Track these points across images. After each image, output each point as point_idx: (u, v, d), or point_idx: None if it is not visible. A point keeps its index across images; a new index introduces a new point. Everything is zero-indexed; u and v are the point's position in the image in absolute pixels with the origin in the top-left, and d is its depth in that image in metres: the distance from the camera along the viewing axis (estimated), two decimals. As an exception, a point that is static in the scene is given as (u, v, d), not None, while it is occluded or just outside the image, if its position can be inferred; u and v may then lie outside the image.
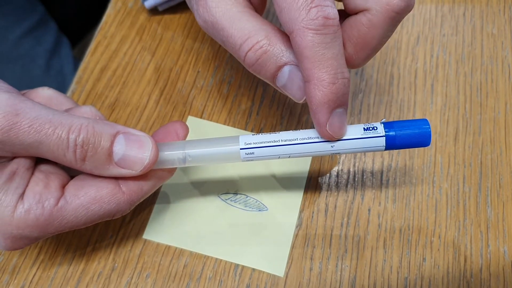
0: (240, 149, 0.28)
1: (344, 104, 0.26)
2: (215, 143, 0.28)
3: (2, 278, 0.32)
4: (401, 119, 0.38)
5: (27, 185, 0.25)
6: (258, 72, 0.27)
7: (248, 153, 0.28)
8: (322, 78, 0.25)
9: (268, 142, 0.28)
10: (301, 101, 0.27)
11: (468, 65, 0.41)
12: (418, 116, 0.38)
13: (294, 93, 0.27)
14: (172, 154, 0.28)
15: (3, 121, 0.23)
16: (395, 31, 0.42)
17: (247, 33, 0.26)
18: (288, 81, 0.26)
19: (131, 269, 0.33)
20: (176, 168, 0.30)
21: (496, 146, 0.37)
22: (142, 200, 0.28)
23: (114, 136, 0.26)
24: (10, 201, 0.24)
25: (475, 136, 0.38)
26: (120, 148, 0.26)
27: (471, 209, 0.35)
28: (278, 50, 0.26)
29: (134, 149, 0.26)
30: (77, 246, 0.33)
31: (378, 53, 0.40)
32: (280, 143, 0.27)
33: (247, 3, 0.28)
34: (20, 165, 0.25)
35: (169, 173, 0.29)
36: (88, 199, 0.26)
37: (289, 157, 0.28)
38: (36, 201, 0.25)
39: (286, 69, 0.26)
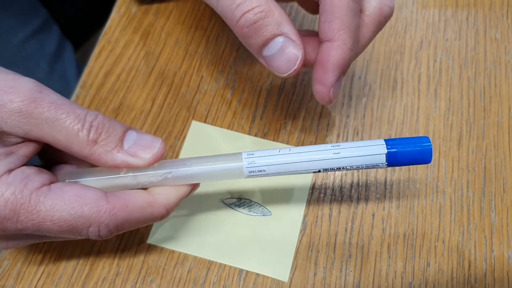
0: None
1: (345, 73, 0.29)
2: (217, 161, 0.28)
3: (6, 283, 0.32)
4: (404, 125, 0.38)
5: (19, 167, 0.26)
6: (248, 36, 0.27)
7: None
8: (346, 41, 0.27)
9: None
10: (284, 75, 0.27)
11: (471, 70, 0.41)
12: (421, 120, 0.38)
13: (281, 65, 0.27)
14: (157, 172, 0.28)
15: (27, 93, 0.25)
16: (398, 36, 0.42)
17: None
18: (278, 52, 0.27)
19: (135, 274, 0.33)
20: (169, 207, 0.28)
21: (500, 151, 0.37)
22: (126, 227, 0.27)
23: (127, 129, 0.27)
24: None
25: (479, 140, 0.38)
26: (131, 138, 0.27)
27: (475, 214, 0.35)
28: (277, 19, 0.26)
29: (145, 140, 0.27)
30: (81, 251, 0.33)
31: (381, 58, 0.40)
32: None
33: None
34: (21, 150, 0.26)
35: (160, 206, 0.28)
36: (71, 195, 0.26)
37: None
38: (21, 178, 0.25)
39: (280, 39, 0.26)
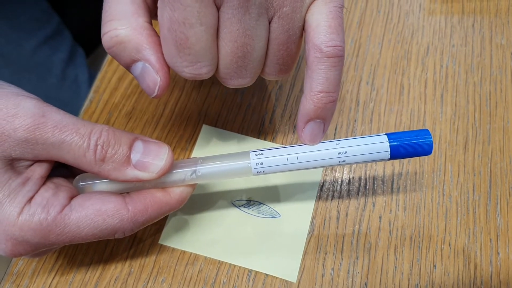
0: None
1: (323, 119, 0.29)
2: (226, 160, 0.29)
3: (21, 282, 0.33)
4: (410, 129, 0.39)
5: (37, 191, 0.26)
6: (114, 57, 0.27)
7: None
8: (313, 98, 0.28)
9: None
10: (151, 96, 0.28)
11: (477, 75, 0.41)
12: (428, 125, 0.39)
13: (144, 87, 0.27)
14: (183, 171, 0.29)
15: (29, 120, 0.25)
16: (405, 42, 0.42)
17: (110, 16, 0.26)
18: (140, 75, 0.27)
19: (147, 273, 0.33)
20: (184, 201, 0.30)
21: (506, 155, 0.38)
22: (147, 224, 0.29)
23: (133, 140, 0.27)
24: (19, 203, 0.25)
25: (485, 145, 0.38)
26: (138, 150, 0.27)
27: (481, 217, 0.36)
28: (134, 45, 0.26)
29: (152, 151, 0.27)
30: (95, 251, 0.34)
31: (388, 63, 0.41)
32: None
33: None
34: (36, 172, 0.26)
35: (177, 202, 0.29)
36: (92, 210, 0.26)
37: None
38: (43, 205, 0.26)
39: (139, 65, 0.27)
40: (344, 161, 0.28)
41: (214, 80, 0.40)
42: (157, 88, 0.27)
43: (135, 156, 0.27)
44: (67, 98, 0.61)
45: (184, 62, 0.26)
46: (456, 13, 0.44)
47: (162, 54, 0.27)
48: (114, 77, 0.40)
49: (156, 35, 0.27)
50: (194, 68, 0.26)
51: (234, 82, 0.28)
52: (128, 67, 0.27)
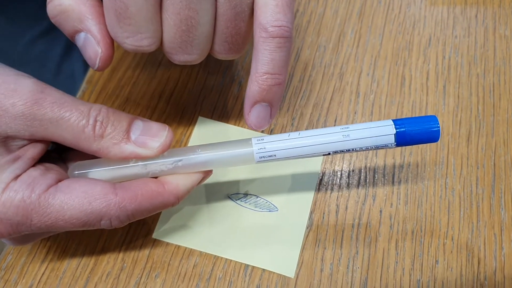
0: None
1: (269, 103, 0.28)
2: (227, 147, 0.28)
3: (10, 277, 0.32)
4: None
5: (25, 170, 0.26)
6: (58, 27, 0.27)
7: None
8: (257, 80, 0.27)
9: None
10: (94, 69, 0.27)
11: (480, 67, 0.40)
12: (430, 117, 0.38)
13: (86, 58, 0.27)
14: (170, 160, 0.28)
15: (28, 95, 0.24)
16: (406, 32, 0.41)
17: None
18: (82, 46, 0.27)
19: (140, 269, 0.32)
20: (179, 195, 0.28)
21: (510, 148, 0.37)
22: (137, 216, 0.27)
23: (132, 119, 0.27)
24: (5, 179, 0.25)
25: (488, 137, 0.37)
26: (138, 128, 0.27)
27: (485, 211, 0.35)
28: (77, 14, 0.26)
29: (152, 129, 0.27)
30: (86, 245, 0.33)
31: (389, 54, 0.40)
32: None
33: None
34: (28, 152, 0.26)
35: (171, 195, 0.28)
36: (78, 192, 0.26)
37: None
38: (28, 183, 0.25)
39: (82, 35, 0.27)
40: (348, 135, 0.27)
41: (210, 71, 0.39)
42: (98, 59, 0.27)
43: (134, 133, 0.27)
44: (62, 93, 0.60)
45: (124, 33, 0.26)
46: (458, 3, 0.43)
47: (106, 25, 0.26)
48: (107, 68, 0.39)
49: (101, 6, 0.26)
50: (135, 40, 0.26)
51: (180, 57, 0.28)
52: (72, 37, 0.27)
